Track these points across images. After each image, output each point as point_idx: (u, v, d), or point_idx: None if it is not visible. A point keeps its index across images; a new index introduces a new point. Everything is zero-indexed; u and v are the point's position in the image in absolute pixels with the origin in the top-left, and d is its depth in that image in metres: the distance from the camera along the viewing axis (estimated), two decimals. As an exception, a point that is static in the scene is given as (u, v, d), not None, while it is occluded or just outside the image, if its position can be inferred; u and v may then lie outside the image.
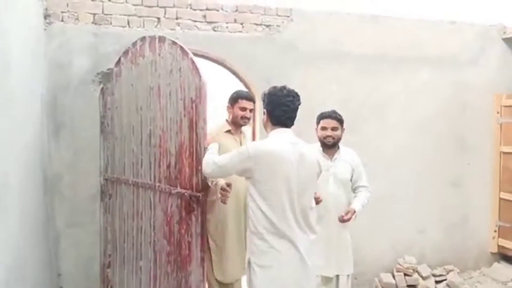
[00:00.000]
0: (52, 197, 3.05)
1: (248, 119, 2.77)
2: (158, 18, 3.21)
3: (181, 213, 2.54)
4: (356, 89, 3.71)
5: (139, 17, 3.18)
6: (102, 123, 3.19)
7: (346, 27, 3.67)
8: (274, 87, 2.18)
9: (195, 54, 3.29)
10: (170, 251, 2.60)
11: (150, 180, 2.68)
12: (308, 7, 3.58)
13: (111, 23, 3.13)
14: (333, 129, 2.72)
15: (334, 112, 2.75)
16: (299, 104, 2.19)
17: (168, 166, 2.60)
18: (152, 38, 2.67)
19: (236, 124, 2.76)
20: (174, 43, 2.58)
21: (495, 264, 4.16)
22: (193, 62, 2.48)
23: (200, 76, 2.44)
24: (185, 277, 2.52)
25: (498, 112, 4.14)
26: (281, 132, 2.14)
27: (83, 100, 3.10)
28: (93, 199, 3.11)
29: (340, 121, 2.74)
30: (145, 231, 2.73)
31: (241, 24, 3.41)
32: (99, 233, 3.12)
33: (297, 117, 2.19)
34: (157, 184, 2.64)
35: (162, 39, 2.63)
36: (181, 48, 2.54)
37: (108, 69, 3.07)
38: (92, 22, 3.10)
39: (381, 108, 3.80)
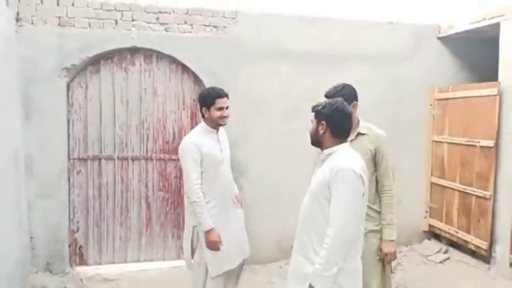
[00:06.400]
0: (24, 174, 3.61)
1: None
2: (116, 20, 3.70)
3: (177, 172, 4.06)
4: (295, 84, 4.16)
5: (99, 19, 3.67)
6: (69, 111, 3.75)
7: (288, 28, 4.11)
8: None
9: (149, 50, 3.81)
10: (166, 197, 4.10)
11: (142, 153, 3.99)
12: (252, 9, 4.03)
13: (74, 25, 3.63)
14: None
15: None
16: None
17: (166, 142, 4.06)
18: (147, 54, 3.91)
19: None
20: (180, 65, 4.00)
21: (425, 241, 4.66)
22: (195, 77, 4.02)
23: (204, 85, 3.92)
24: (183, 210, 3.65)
25: (431, 105, 4.58)
26: None
27: (50, 91, 3.63)
28: (59, 176, 3.69)
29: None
30: (134, 191, 4.01)
31: (191, 25, 3.88)
32: (66, 204, 3.72)
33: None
34: (153, 155, 4.01)
35: (161, 56, 3.94)
36: (183, 66, 3.99)
37: (71, 65, 3.59)
38: (58, 24, 3.60)
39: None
